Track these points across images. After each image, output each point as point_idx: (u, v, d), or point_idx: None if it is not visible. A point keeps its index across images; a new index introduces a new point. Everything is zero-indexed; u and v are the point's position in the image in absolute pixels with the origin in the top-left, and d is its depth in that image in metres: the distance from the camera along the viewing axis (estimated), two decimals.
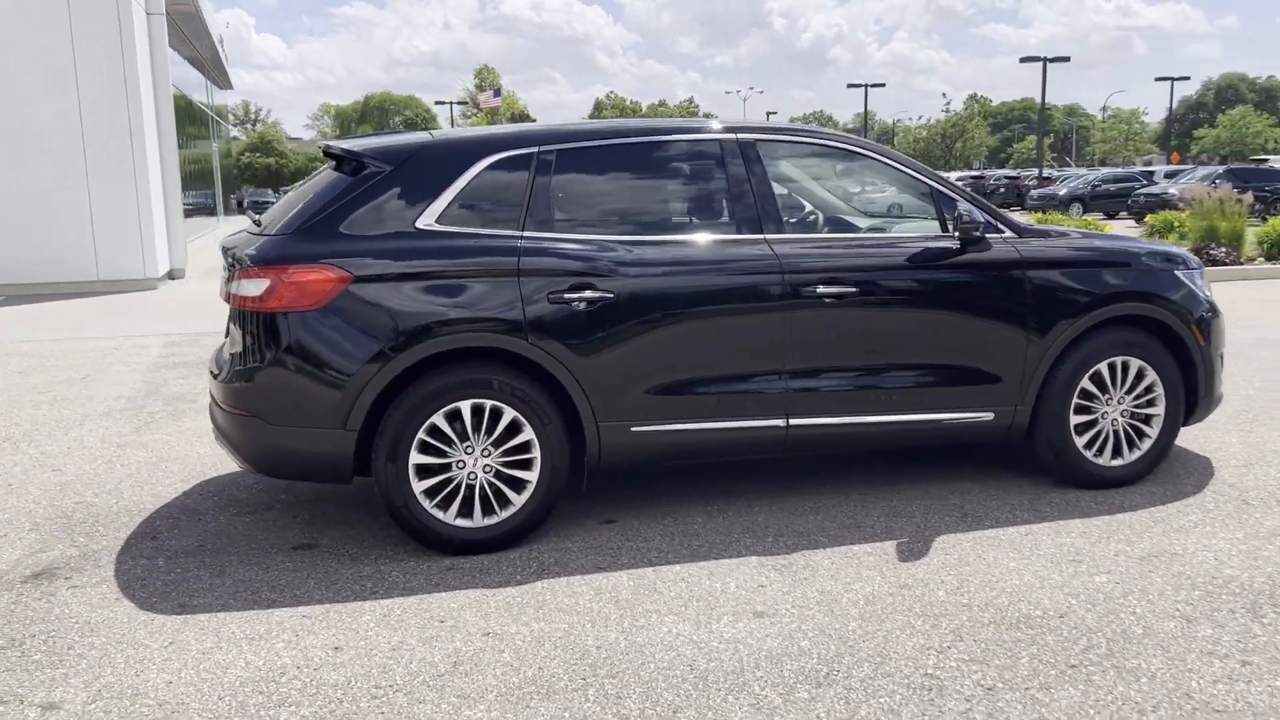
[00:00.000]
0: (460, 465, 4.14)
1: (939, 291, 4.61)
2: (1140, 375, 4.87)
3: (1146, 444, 4.93)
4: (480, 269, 4.12)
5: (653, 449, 4.40)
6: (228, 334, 4.41)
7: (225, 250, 4.53)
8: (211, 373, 4.49)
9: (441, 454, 4.12)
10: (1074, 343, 4.73)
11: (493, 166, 4.26)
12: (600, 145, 4.46)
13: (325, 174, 4.46)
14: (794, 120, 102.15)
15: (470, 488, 4.17)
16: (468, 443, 4.13)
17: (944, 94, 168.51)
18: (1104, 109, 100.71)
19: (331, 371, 4.00)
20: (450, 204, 4.19)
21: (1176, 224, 16.85)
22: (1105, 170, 42.78)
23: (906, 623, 3.52)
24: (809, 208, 5.13)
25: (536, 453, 4.18)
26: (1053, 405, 4.76)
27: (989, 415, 4.72)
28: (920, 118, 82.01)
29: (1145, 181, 33.13)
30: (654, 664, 3.26)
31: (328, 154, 4.52)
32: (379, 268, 4.04)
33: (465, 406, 4.10)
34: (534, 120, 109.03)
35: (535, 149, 4.32)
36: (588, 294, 4.16)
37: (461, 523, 4.16)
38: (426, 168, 4.23)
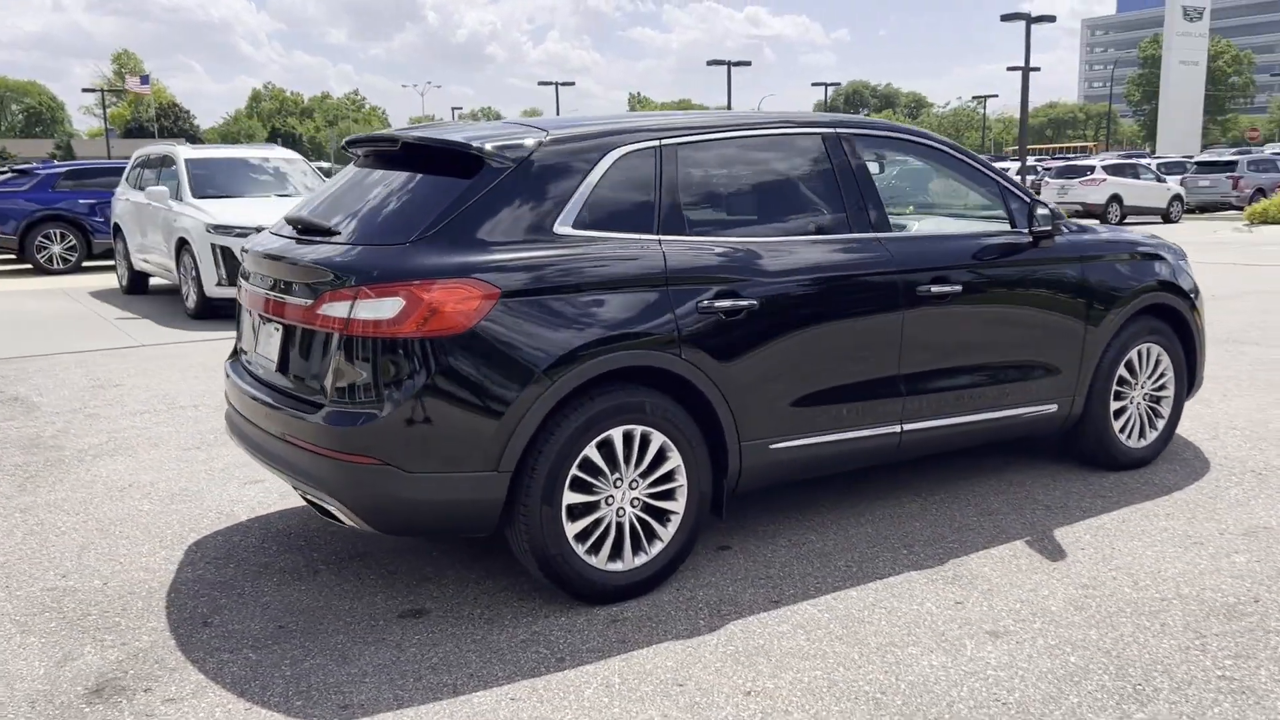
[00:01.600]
0: (609, 501, 3.63)
1: (1021, 287, 4.63)
2: (1159, 360, 5.16)
3: (1161, 424, 5.24)
4: (630, 278, 3.63)
5: (789, 467, 4.08)
6: (290, 354, 3.68)
7: (269, 257, 3.77)
8: (267, 403, 3.70)
9: (590, 490, 3.59)
10: (1117, 332, 4.92)
11: (619, 162, 3.76)
12: (717, 138, 4.06)
13: (403, 173, 3.79)
14: (461, 114, 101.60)
15: (619, 526, 3.67)
16: (616, 475, 3.63)
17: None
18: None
19: (485, 406, 3.37)
20: (584, 205, 3.65)
21: None
22: None
23: (1135, 623, 3.48)
24: (894, 204, 5.00)
25: (683, 480, 3.75)
26: (1100, 393, 4.93)
27: (1054, 407, 4.81)
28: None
29: None
30: (961, 703, 3.00)
31: (401, 147, 3.88)
32: (527, 280, 3.45)
33: (617, 434, 3.60)
34: (188, 111, 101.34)
35: (658, 142, 3.87)
36: (731, 302, 3.78)
37: (613, 566, 3.66)
38: (554, 164, 3.66)
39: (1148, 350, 5.10)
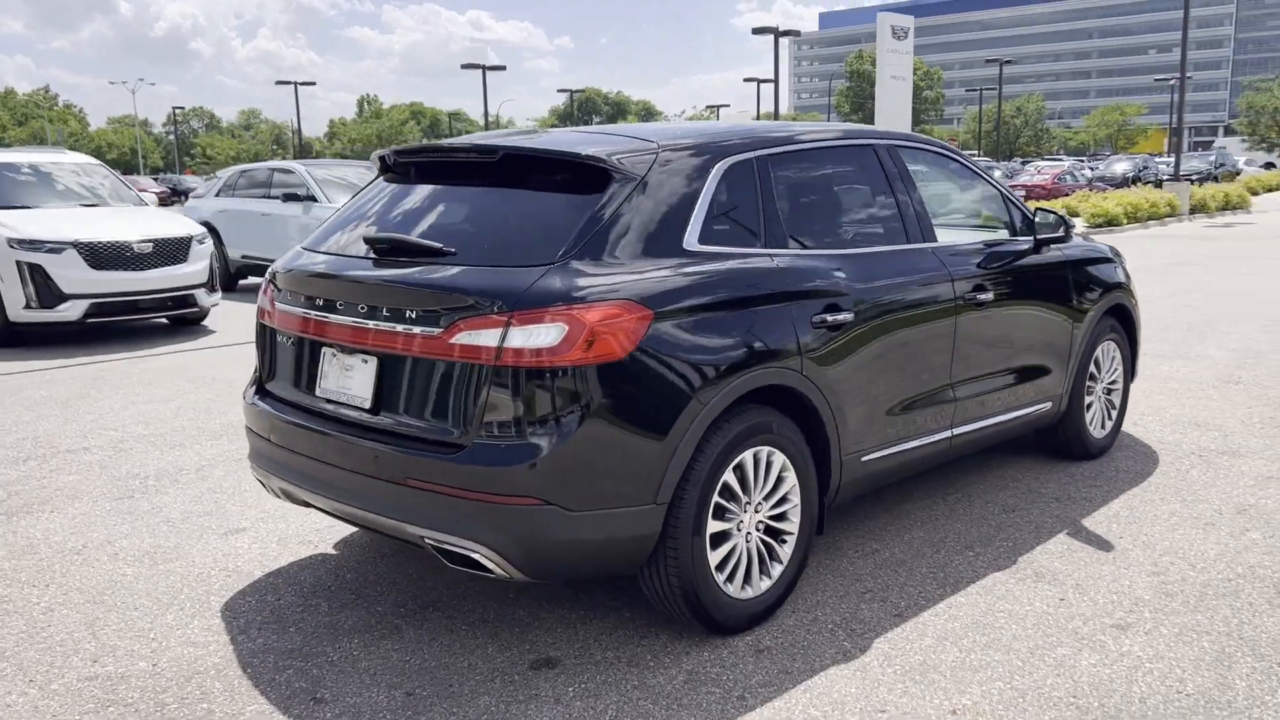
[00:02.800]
0: (740, 527, 3.50)
1: (1035, 291, 4.86)
2: (1114, 355, 5.58)
3: (1114, 414, 5.66)
4: (762, 295, 3.50)
5: (873, 479, 4.09)
6: (396, 388, 3.29)
7: (354, 281, 3.40)
8: (360, 443, 3.31)
9: (726, 517, 3.45)
10: (1091, 330, 5.27)
11: (727, 174, 3.63)
12: (797, 149, 3.98)
13: (510, 187, 3.53)
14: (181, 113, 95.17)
15: (746, 552, 3.54)
16: (746, 499, 3.51)
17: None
18: (495, 116, 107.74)
19: (645, 435, 3.15)
20: (705, 219, 3.49)
21: None
22: None
23: (1229, 605, 3.71)
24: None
25: (797, 499, 3.67)
26: (1079, 388, 5.26)
27: (1049, 405, 5.08)
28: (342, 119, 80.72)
29: None
30: (1150, 700, 3.10)
31: (503, 159, 3.56)
32: (675, 300, 3.25)
33: (749, 456, 3.47)
34: None
35: (754, 154, 3.76)
36: (835, 316, 3.74)
37: (744, 594, 3.53)
38: (674, 177, 3.48)
39: (1107, 346, 5.50)
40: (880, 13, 24.36)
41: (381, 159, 3.97)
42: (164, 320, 10.71)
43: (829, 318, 3.70)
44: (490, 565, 3.14)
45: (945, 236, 4.74)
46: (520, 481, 3.03)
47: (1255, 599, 3.77)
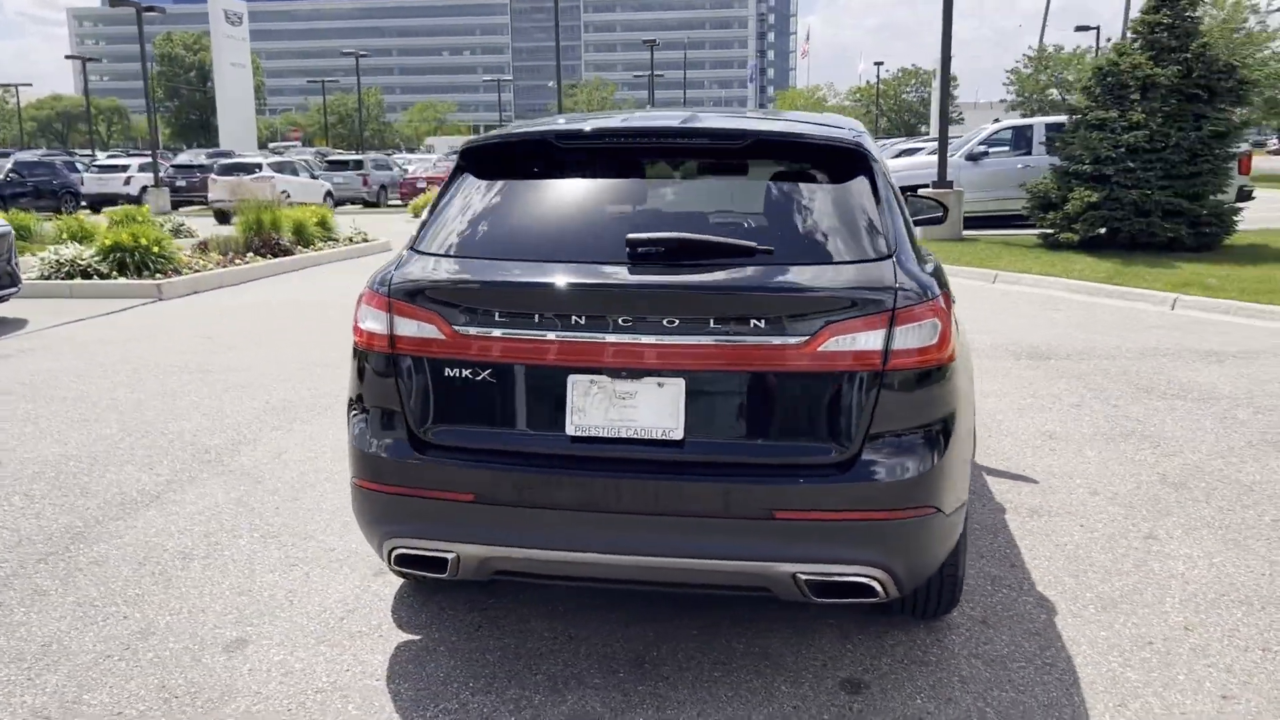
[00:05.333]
0: None
1: None
2: None
3: None
4: None
5: None
6: (725, 409, 2.79)
7: (660, 288, 2.76)
8: (678, 481, 2.75)
9: None
10: None
11: None
12: None
13: (771, 175, 3.12)
14: None
15: None
16: None
17: None
18: None
19: (970, 426, 3.12)
20: None
21: None
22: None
23: None
24: None
25: None
26: None
27: None
28: None
29: None
30: None
31: (754, 144, 3.06)
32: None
33: None
34: None
35: None
36: None
37: None
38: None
39: None
40: None
41: (508, 144, 3.24)
42: None
43: None
44: (878, 588, 2.79)
45: None
46: (916, 492, 2.75)
47: None
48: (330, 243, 16.08)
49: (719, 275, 2.78)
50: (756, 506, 2.72)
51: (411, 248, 3.09)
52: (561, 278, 2.81)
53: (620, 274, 2.80)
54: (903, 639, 3.32)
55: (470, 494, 2.84)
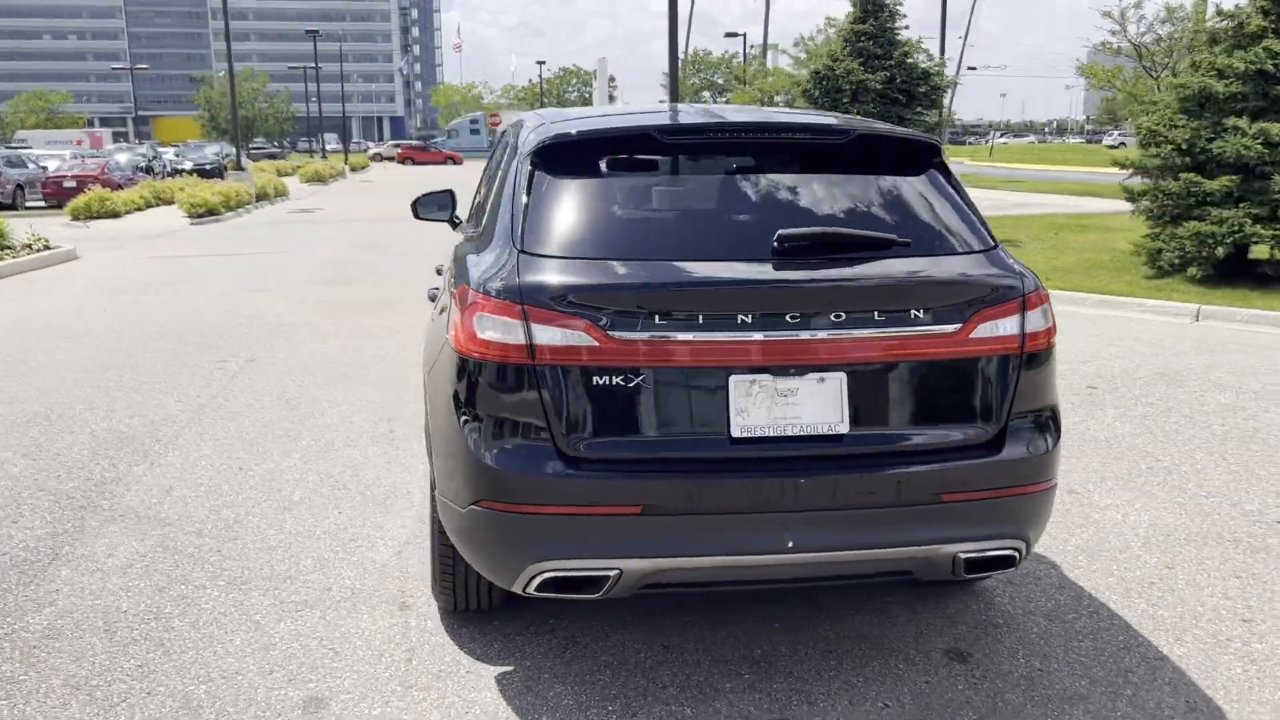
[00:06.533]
0: None
1: None
2: None
3: None
4: None
5: None
6: (889, 398, 2.82)
7: (832, 284, 2.77)
8: (851, 472, 2.76)
9: None
10: None
11: None
12: None
13: (871, 171, 3.13)
14: None
15: None
16: None
17: None
18: None
19: None
20: None
21: None
22: None
23: None
24: None
25: None
26: None
27: None
28: None
29: None
30: None
31: (857, 139, 3.10)
32: None
33: None
34: None
35: None
36: None
37: None
38: None
39: None
40: None
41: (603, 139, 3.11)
42: None
43: None
44: (1018, 558, 2.96)
45: None
46: (1049, 465, 2.96)
47: None
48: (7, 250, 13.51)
49: (873, 268, 2.81)
50: (925, 492, 2.79)
51: (520, 249, 2.82)
52: (718, 275, 2.75)
53: (775, 270, 2.77)
54: (960, 607, 3.53)
55: (637, 506, 2.68)
